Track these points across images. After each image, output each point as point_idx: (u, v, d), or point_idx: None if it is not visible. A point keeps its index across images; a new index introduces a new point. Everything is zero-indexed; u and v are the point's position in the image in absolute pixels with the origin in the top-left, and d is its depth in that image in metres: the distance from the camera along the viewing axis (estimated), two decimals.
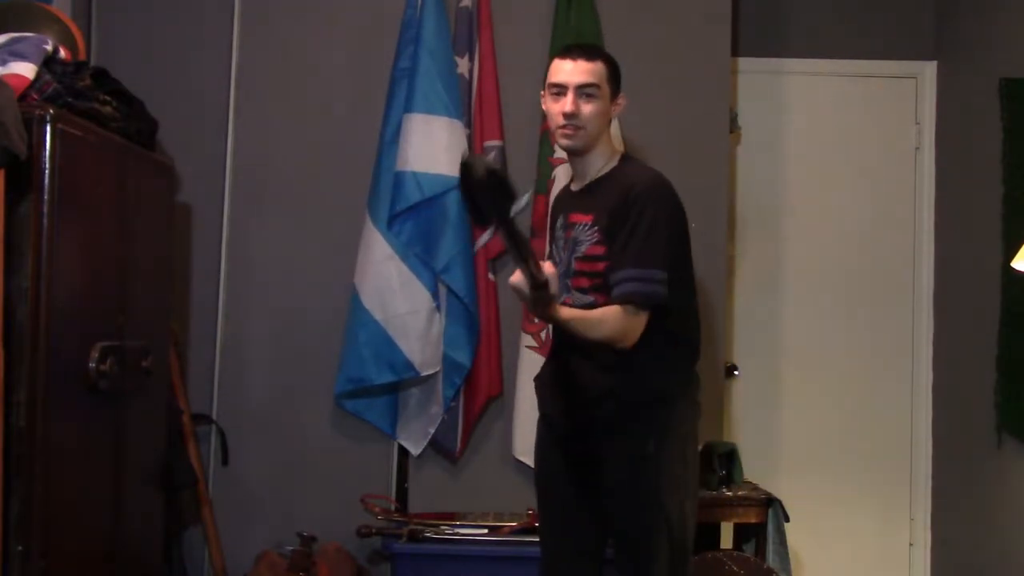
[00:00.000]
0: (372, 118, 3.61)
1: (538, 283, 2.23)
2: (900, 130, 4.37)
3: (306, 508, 3.60)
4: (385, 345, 3.48)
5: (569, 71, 2.53)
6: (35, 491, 2.35)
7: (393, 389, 3.60)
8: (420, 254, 3.49)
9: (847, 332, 4.34)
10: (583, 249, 2.55)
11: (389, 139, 3.55)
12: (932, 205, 4.33)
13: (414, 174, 3.45)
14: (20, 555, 2.31)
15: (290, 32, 3.73)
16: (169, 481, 3.21)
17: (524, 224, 3.46)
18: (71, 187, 2.48)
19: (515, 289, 2.34)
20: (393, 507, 3.53)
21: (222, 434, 3.64)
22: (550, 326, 2.85)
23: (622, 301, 2.44)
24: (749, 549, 3.55)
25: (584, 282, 2.55)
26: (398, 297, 3.48)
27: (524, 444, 3.45)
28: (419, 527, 3.36)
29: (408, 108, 3.49)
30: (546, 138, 3.56)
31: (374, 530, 3.39)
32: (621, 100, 2.63)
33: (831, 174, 4.36)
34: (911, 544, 4.31)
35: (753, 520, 3.52)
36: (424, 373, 3.51)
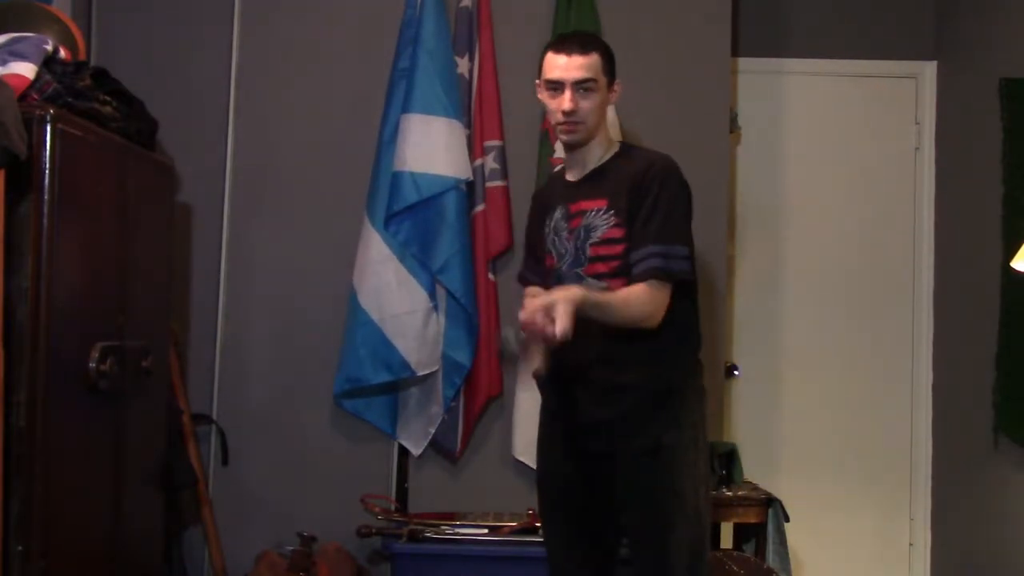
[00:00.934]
0: (372, 118, 3.61)
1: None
2: (900, 130, 4.37)
3: (306, 508, 3.59)
4: (382, 345, 3.47)
5: (564, 66, 2.52)
6: (35, 491, 2.35)
7: (393, 389, 3.60)
8: (417, 254, 3.49)
9: (847, 332, 4.33)
10: (599, 234, 2.53)
11: (388, 139, 3.55)
12: (932, 205, 4.32)
13: (412, 174, 3.45)
14: (20, 555, 2.32)
15: (290, 32, 3.73)
16: (169, 481, 3.21)
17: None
18: (71, 187, 2.48)
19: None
20: (393, 507, 3.53)
21: (222, 434, 3.64)
22: None
23: (646, 276, 2.43)
24: (749, 549, 3.56)
25: (601, 267, 2.53)
26: (395, 297, 3.48)
27: (524, 444, 3.45)
28: (419, 527, 3.36)
29: (406, 108, 3.49)
30: (546, 138, 3.56)
31: (374, 530, 3.39)
32: (617, 87, 2.62)
33: (831, 174, 4.35)
34: (911, 544, 4.30)
35: (753, 520, 3.52)
36: (421, 373, 3.50)
